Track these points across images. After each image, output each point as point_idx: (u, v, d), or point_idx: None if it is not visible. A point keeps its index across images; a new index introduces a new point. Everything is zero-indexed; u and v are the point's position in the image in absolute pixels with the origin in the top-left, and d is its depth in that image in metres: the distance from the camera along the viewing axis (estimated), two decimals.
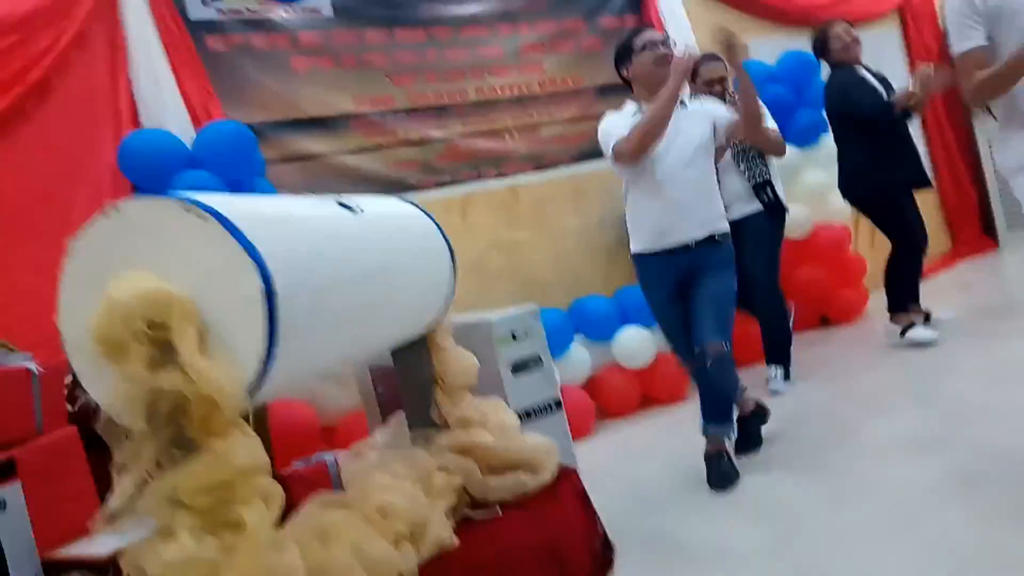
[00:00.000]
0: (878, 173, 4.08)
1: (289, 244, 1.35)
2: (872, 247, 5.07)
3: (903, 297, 4.15)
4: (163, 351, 1.19)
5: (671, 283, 2.89)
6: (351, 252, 1.54)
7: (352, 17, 3.97)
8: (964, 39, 2.10)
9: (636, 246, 2.95)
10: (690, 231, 2.83)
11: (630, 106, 2.96)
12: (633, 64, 2.90)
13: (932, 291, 4.92)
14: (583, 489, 2.02)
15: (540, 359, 2.55)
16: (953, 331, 4.14)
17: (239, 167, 3.18)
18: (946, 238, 6.46)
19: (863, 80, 4.10)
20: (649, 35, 2.95)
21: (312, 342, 1.39)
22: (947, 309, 4.42)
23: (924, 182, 4.20)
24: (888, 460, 2.61)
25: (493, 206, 4.30)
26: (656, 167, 2.81)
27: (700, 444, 2.87)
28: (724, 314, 2.80)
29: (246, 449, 1.23)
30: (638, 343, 3.92)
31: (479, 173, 4.29)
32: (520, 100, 4.46)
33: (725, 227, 2.92)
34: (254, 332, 1.23)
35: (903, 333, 4.09)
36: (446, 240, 1.94)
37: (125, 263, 1.23)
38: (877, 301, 4.57)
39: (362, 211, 1.66)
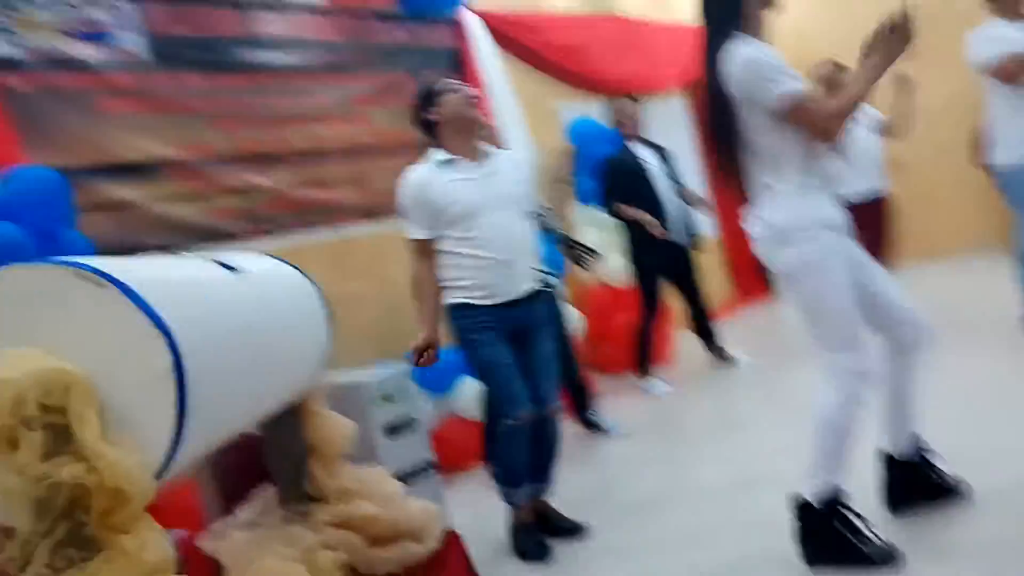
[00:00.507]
0: (637, 242, 4.66)
1: (189, 312, 1.23)
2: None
3: (645, 356, 4.74)
4: (58, 437, 1.03)
5: (504, 330, 2.75)
6: (243, 316, 1.43)
7: (171, 60, 3.73)
8: (792, 80, 2.08)
9: (460, 297, 2.76)
10: (520, 284, 2.77)
11: (437, 154, 2.81)
12: (440, 105, 2.79)
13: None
14: (467, 554, 1.98)
15: (414, 420, 2.48)
16: (746, 374, 4.58)
17: (49, 216, 2.85)
18: (728, 286, 7.14)
19: (634, 169, 4.63)
20: (450, 80, 2.92)
21: (215, 416, 1.27)
22: (741, 353, 4.87)
23: (677, 248, 4.71)
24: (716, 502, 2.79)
25: (325, 257, 4.16)
26: (478, 221, 2.71)
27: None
28: (556, 374, 2.91)
29: (156, 545, 1.09)
30: (475, 394, 3.93)
31: (309, 223, 4.16)
32: (349, 151, 4.39)
33: (547, 276, 2.98)
34: (164, 410, 1.10)
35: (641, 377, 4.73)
36: (322, 300, 1.86)
37: (9, 338, 1.06)
38: (688, 344, 4.98)
39: (243, 271, 1.55)
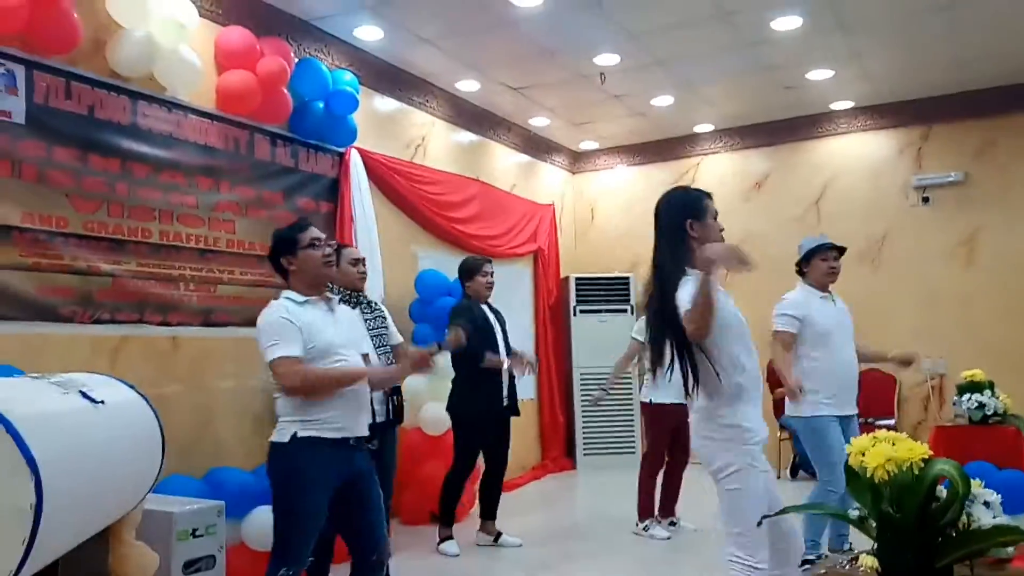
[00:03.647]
0: (469, 398, 4.78)
1: (56, 452, 1.31)
2: None
3: (449, 509, 4.80)
4: None
5: (336, 479, 2.78)
6: (98, 453, 1.50)
7: (45, 129, 3.70)
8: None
9: (306, 431, 2.74)
10: (363, 424, 2.88)
11: (294, 295, 2.91)
12: (299, 258, 2.91)
13: (520, 503, 5.77)
14: None
15: (215, 560, 2.47)
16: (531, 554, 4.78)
17: None
18: (538, 454, 7.51)
19: (483, 320, 4.80)
20: (316, 232, 2.96)
21: (54, 545, 1.32)
22: (511, 536, 4.99)
23: (506, 412, 4.88)
24: None
25: (149, 354, 4.10)
26: (337, 357, 2.82)
27: None
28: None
29: None
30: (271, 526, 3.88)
31: (141, 317, 4.09)
32: (203, 252, 4.42)
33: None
34: (14, 544, 1.16)
35: (496, 539, 4.83)
36: (161, 433, 1.93)
37: None
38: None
39: (102, 404, 1.63)
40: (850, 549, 3.85)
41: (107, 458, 1.58)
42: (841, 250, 4.23)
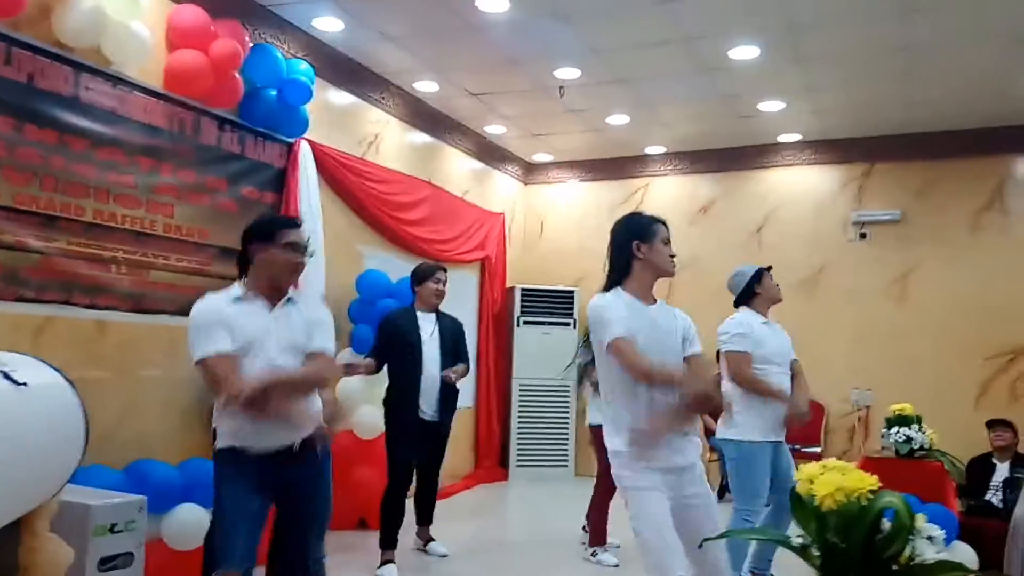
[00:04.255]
0: (386, 409, 4.60)
1: None
2: None
3: (387, 528, 4.48)
4: None
5: (262, 481, 2.62)
6: (13, 440, 1.39)
7: None
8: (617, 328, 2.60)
9: (226, 442, 2.62)
10: (288, 434, 2.66)
11: (236, 289, 2.73)
12: (268, 254, 2.70)
13: (452, 512, 5.66)
14: None
15: (134, 557, 2.33)
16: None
17: None
18: (471, 463, 7.44)
19: (408, 332, 4.57)
20: (297, 235, 2.76)
21: None
22: (441, 546, 4.89)
23: (428, 426, 4.57)
24: None
25: (74, 337, 3.90)
26: (252, 360, 2.59)
27: None
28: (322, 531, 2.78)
29: None
30: (194, 523, 3.73)
31: (68, 298, 3.89)
32: (139, 235, 4.24)
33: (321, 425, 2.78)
34: None
35: (425, 545, 4.79)
36: (86, 423, 1.81)
37: None
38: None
39: (25, 388, 1.51)
40: None
41: (24, 443, 1.46)
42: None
